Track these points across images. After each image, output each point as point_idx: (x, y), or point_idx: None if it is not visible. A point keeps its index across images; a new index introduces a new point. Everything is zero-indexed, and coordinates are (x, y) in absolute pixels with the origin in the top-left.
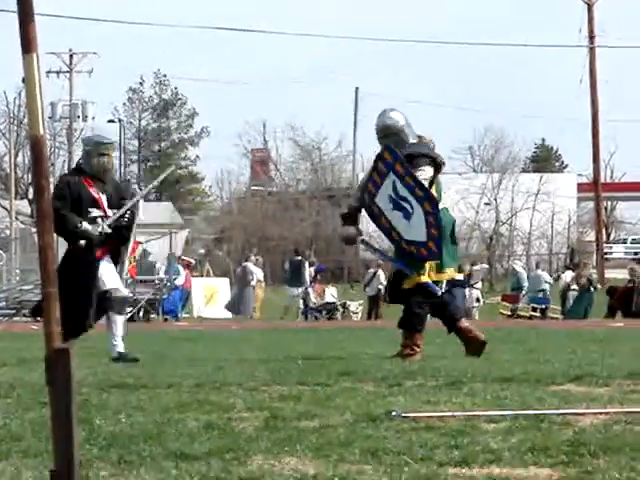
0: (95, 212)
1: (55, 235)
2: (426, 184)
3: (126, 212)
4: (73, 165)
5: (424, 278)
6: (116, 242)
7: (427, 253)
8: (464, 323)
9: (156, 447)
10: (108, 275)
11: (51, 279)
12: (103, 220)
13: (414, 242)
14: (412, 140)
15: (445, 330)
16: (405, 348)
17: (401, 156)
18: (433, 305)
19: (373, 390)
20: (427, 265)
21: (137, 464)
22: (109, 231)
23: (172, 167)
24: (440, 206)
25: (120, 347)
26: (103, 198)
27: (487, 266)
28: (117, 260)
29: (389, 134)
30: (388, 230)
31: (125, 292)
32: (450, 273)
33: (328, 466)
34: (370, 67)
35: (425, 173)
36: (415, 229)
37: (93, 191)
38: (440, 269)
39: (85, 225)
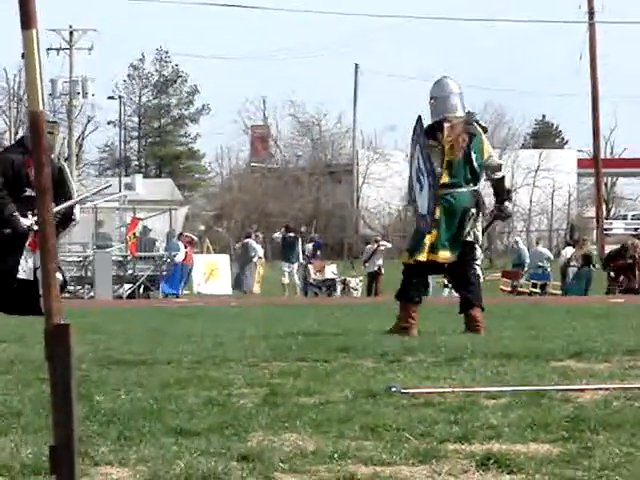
0: (29, 192)
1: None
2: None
3: (58, 212)
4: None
5: (421, 257)
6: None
7: (425, 226)
8: (477, 312)
9: (156, 423)
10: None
11: (50, 254)
12: (34, 214)
13: (422, 215)
14: (460, 110)
15: (453, 308)
16: (400, 321)
17: (423, 128)
18: (460, 280)
19: (373, 366)
20: (427, 241)
21: (137, 440)
22: (36, 229)
23: (109, 184)
24: (465, 188)
25: None
26: None
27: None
28: None
29: (439, 97)
30: (413, 203)
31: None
32: (443, 258)
33: (328, 442)
34: (371, 43)
35: (434, 146)
36: (423, 201)
37: (30, 171)
38: (434, 250)
39: (18, 217)
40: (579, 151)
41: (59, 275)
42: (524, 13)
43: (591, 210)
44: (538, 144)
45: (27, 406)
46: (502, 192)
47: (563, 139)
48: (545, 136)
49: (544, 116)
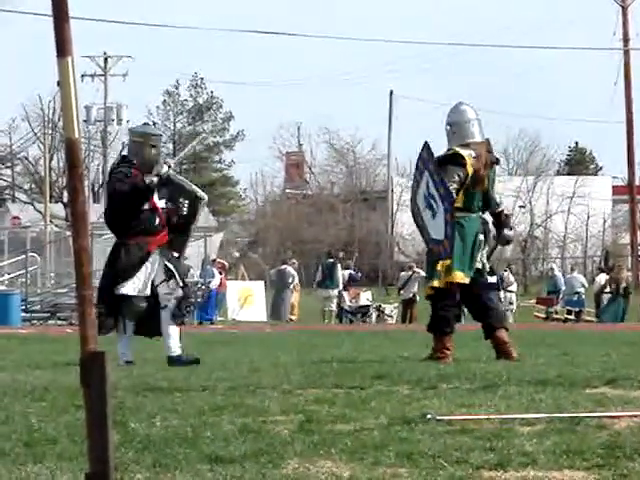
0: (147, 206)
1: (90, 239)
2: (455, 185)
3: (180, 193)
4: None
5: (436, 283)
6: (167, 236)
7: (443, 251)
8: (502, 334)
9: (191, 450)
10: (140, 279)
11: (86, 281)
12: (155, 212)
13: (434, 240)
14: (477, 136)
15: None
16: (435, 352)
17: (433, 156)
18: (476, 309)
19: (408, 393)
20: (439, 267)
21: (172, 467)
22: (155, 181)
23: (201, 136)
24: (475, 214)
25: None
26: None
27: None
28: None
29: (456, 123)
30: (422, 230)
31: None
32: (460, 277)
33: (363, 469)
34: (404, 70)
35: (457, 176)
36: (437, 227)
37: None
38: (448, 272)
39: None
40: (614, 177)
41: (179, 290)
42: (559, 39)
43: (626, 237)
44: (572, 171)
45: (62, 433)
46: (501, 221)
47: (597, 165)
48: (579, 163)
49: (577, 143)
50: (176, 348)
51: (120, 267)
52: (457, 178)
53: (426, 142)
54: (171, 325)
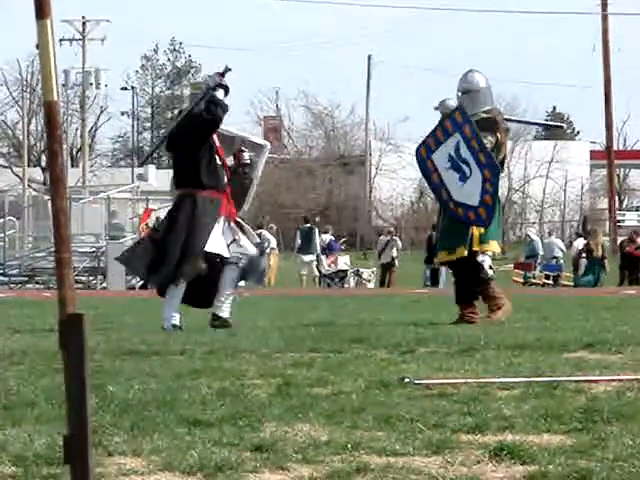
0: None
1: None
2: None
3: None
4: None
5: (469, 249)
6: (230, 193)
7: (475, 218)
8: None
9: (169, 414)
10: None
11: (64, 243)
12: (224, 169)
13: (464, 205)
14: (489, 104)
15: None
16: (468, 314)
17: (471, 120)
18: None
19: (386, 357)
20: (475, 232)
21: (150, 430)
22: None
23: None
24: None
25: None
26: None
27: None
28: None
29: (468, 91)
30: (438, 187)
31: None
32: (493, 247)
33: (341, 433)
34: (384, 35)
35: (489, 142)
36: (468, 192)
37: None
38: (484, 240)
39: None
40: (592, 143)
41: (253, 248)
42: (537, 3)
43: (604, 202)
44: (550, 136)
45: (40, 396)
46: None
47: (574, 130)
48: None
49: (555, 107)
50: (228, 311)
51: (197, 221)
52: (488, 144)
53: (460, 106)
54: (233, 286)
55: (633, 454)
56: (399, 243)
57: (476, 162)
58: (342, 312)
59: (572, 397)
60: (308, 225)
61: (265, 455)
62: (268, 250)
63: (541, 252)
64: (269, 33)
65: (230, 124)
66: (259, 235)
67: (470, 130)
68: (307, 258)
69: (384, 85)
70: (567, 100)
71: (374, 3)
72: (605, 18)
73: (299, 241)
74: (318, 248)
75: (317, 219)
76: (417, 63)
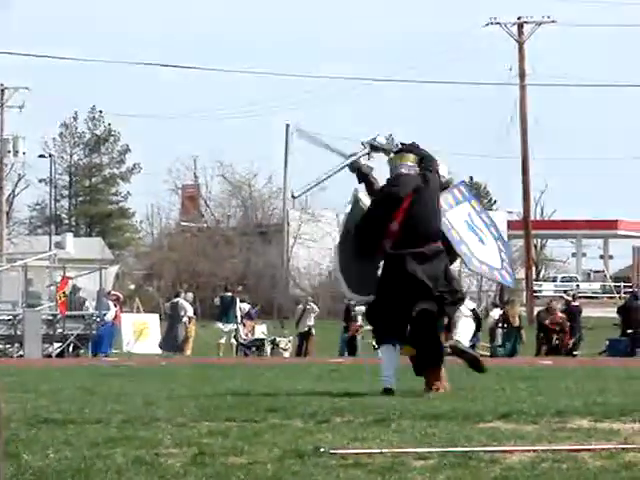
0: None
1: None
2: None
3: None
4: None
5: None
6: None
7: (501, 278)
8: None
9: None
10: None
11: None
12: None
13: (488, 265)
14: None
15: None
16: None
17: (474, 196)
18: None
19: (301, 426)
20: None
21: None
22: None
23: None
24: None
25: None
26: None
27: None
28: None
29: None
30: (459, 243)
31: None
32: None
33: None
34: (302, 103)
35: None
36: (488, 254)
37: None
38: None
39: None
40: (509, 212)
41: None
42: (453, 74)
43: (521, 272)
44: None
45: None
46: None
47: (491, 199)
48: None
49: (471, 177)
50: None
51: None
52: None
53: (464, 182)
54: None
55: None
56: (315, 308)
57: (490, 232)
58: (258, 381)
59: (487, 467)
60: (229, 294)
61: None
62: (185, 319)
63: None
64: (187, 101)
65: (149, 193)
66: (176, 304)
67: (478, 205)
68: (227, 328)
69: (303, 152)
70: (483, 170)
71: (292, 72)
72: (523, 88)
73: (219, 309)
74: (238, 317)
75: (239, 288)
76: (334, 132)
